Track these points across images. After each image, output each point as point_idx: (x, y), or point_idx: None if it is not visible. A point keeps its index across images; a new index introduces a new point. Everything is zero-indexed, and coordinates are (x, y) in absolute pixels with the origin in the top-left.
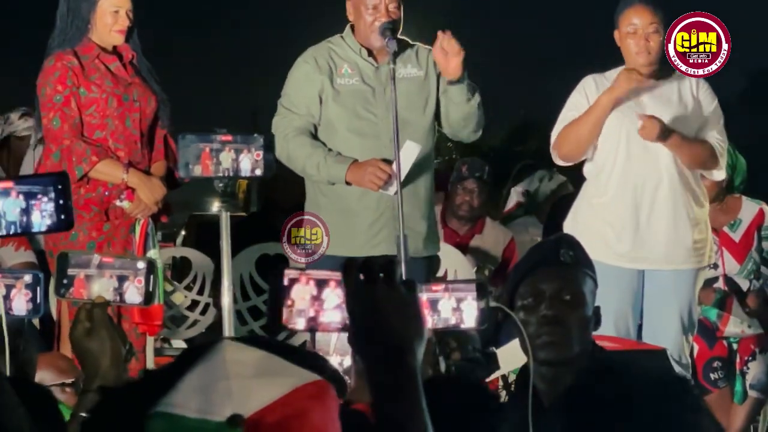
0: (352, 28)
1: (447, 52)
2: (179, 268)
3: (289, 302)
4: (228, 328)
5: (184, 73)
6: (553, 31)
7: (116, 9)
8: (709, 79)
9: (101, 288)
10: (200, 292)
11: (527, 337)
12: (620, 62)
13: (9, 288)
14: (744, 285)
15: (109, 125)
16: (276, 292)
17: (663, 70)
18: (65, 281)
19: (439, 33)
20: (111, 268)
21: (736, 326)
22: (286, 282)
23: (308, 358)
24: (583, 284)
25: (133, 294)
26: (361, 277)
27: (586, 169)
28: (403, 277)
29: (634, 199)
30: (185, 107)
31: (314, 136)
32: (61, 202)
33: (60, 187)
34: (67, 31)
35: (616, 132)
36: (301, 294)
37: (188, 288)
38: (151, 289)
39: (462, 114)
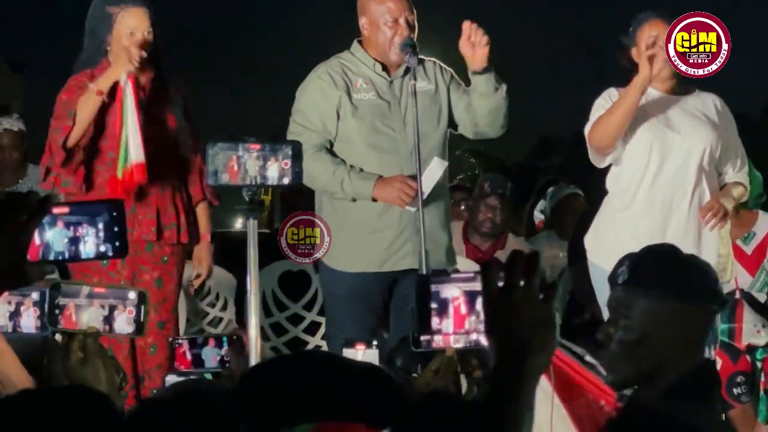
0: (360, 43)
1: (474, 44)
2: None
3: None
4: (254, 341)
5: (211, 84)
6: (576, 46)
7: (131, 31)
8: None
9: (90, 318)
10: (223, 309)
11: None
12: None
13: (18, 305)
14: (761, 298)
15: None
16: (423, 302)
17: (683, 87)
18: (57, 311)
19: (466, 24)
20: (101, 298)
21: (751, 335)
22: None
23: (374, 371)
24: (637, 306)
25: (123, 324)
26: (500, 280)
27: (610, 183)
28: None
29: (662, 213)
30: (215, 118)
31: (331, 153)
32: (115, 228)
33: (115, 213)
34: (87, 54)
35: (646, 147)
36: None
37: (211, 305)
38: (142, 320)
39: (489, 107)
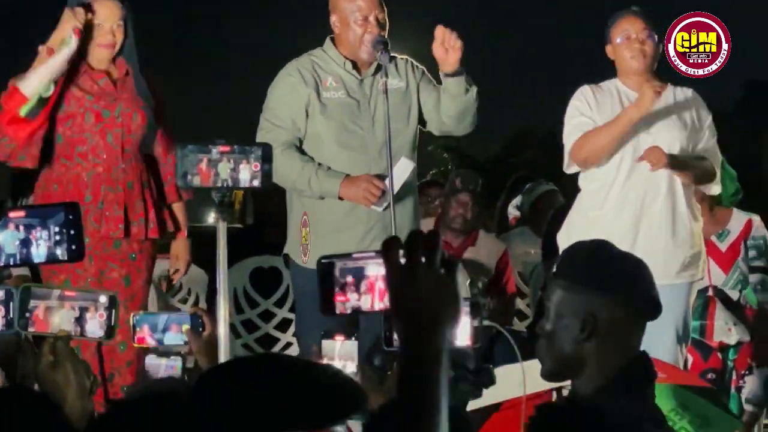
0: (332, 40)
1: (447, 48)
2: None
3: (336, 289)
4: (224, 341)
5: (184, 84)
6: (548, 42)
7: (100, 22)
8: (710, 89)
9: (62, 320)
10: (195, 305)
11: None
12: (613, 74)
13: None
14: (734, 296)
15: (89, 140)
16: (325, 280)
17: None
18: (27, 315)
19: (440, 29)
20: (72, 300)
21: (722, 332)
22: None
23: (325, 370)
24: (552, 296)
25: (94, 327)
26: (402, 257)
27: (583, 182)
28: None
29: (633, 212)
30: (187, 119)
31: (301, 151)
32: (71, 231)
33: (71, 217)
34: None
35: (619, 147)
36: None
37: (183, 301)
38: (112, 323)
39: (459, 108)
